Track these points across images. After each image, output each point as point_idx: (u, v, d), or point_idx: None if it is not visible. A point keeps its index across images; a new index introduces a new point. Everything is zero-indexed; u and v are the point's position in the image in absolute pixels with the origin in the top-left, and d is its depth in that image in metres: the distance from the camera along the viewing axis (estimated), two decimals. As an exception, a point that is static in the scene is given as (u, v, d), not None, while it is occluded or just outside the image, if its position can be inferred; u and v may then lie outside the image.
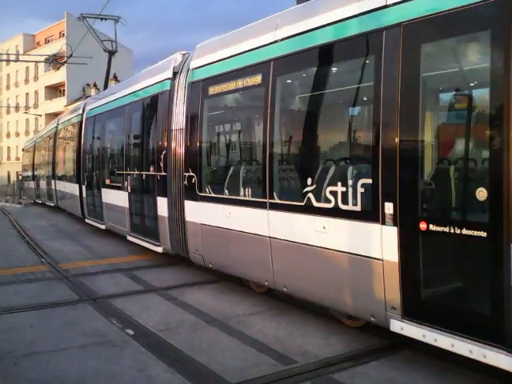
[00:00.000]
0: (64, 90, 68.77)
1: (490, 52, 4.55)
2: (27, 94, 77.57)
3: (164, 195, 9.97)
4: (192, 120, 9.09)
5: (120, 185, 12.58)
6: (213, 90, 8.56)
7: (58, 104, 67.22)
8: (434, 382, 4.97)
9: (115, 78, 45.58)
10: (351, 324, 6.51)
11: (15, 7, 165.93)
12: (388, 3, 5.36)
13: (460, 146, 5.17)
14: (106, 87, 20.88)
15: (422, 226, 4.92)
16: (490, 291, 4.59)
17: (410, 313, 5.13)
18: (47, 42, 72.99)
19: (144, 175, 11.12)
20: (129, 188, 12.00)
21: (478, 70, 5.01)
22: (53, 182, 22.52)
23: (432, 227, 4.87)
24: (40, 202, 27.54)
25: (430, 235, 4.89)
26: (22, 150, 46.99)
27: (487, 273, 4.58)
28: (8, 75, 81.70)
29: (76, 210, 17.62)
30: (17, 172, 50.44)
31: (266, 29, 7.36)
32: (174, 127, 9.63)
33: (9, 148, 77.34)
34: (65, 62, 31.27)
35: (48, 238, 14.36)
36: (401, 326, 5.20)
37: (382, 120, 5.39)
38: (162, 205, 10.03)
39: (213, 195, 8.48)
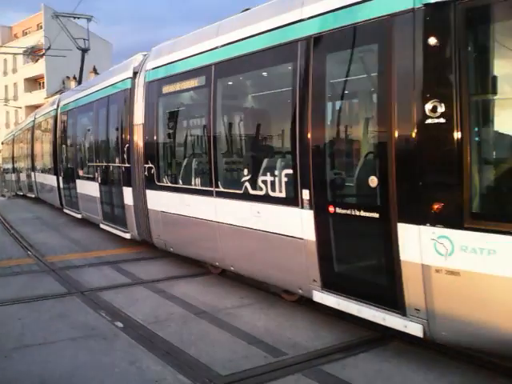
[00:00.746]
0: (43, 83, 68.17)
1: (378, 62, 5.43)
2: (6, 86, 76.60)
3: (129, 185, 10.82)
4: (150, 116, 10.00)
5: (92, 176, 13.48)
6: (166, 89, 9.45)
7: (38, 96, 66.51)
8: (423, 373, 5.03)
9: (94, 70, 45.28)
10: (288, 298, 7.33)
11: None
12: (303, 17, 6.24)
13: (357, 142, 6.37)
14: (80, 82, 21.62)
15: (331, 209, 5.81)
16: (385, 264, 5.41)
17: (327, 284, 6.01)
18: (25, 34, 72.06)
19: (111, 167, 12.01)
20: (99, 179, 12.87)
21: (370, 77, 5.82)
22: (32, 174, 23.23)
23: (338, 210, 5.76)
24: (21, 193, 27.79)
25: (337, 217, 5.77)
26: (2, 143, 47.54)
27: (381, 248, 5.44)
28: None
29: (55, 200, 18.45)
30: None
31: (210, 36, 8.25)
32: (135, 122, 10.49)
33: (-10, 141, 76.47)
34: (43, 54, 31.02)
35: (33, 231, 14.25)
36: (321, 297, 6.09)
37: (298, 120, 6.30)
38: (128, 194, 10.88)
39: (169, 185, 9.38)
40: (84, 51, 22.19)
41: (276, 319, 6.65)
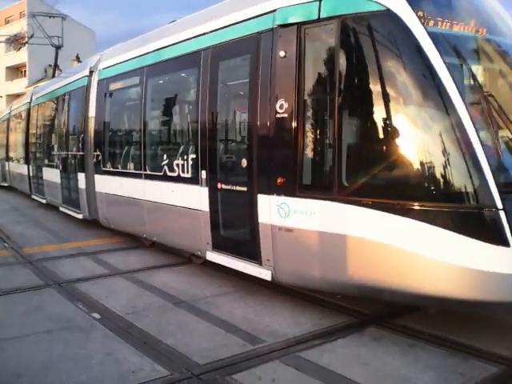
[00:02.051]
0: (25, 71, 67.18)
1: (249, 70, 6.94)
2: (-13, 74, 75.48)
3: (82, 171, 12.34)
4: (99, 110, 11.62)
5: (54, 164, 15.05)
6: (112, 86, 11.11)
7: (19, 85, 65.55)
8: (400, 357, 5.07)
9: (77, 58, 44.82)
10: (196, 261, 8.76)
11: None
12: (205, 31, 7.83)
13: (235, 132, 7.89)
14: (53, 77, 22.26)
15: (219, 185, 7.46)
16: (250, 226, 6.89)
17: (216, 246, 7.63)
18: (7, 22, 70.97)
19: (70, 155, 13.51)
20: (60, 166, 14.37)
21: (248, 80, 7.06)
22: (6, 163, 24.41)
23: (223, 186, 7.41)
24: None
25: (222, 192, 7.43)
26: None
27: (248, 214, 6.90)
28: (-33, 55, 79.35)
29: (25, 188, 19.89)
30: None
31: (142, 42, 9.98)
32: (89, 115, 12.04)
33: (-32, 129, 75.22)
34: (25, 42, 30.84)
35: (10, 222, 14.01)
36: (212, 256, 7.70)
37: (199, 116, 7.93)
38: (81, 179, 12.38)
39: (111, 169, 11.02)
40: (58, 48, 23.42)
41: (255, 307, 6.66)
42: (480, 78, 5.76)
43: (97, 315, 6.40)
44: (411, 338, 5.46)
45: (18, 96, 39.54)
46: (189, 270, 8.63)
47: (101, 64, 11.71)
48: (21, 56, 59.64)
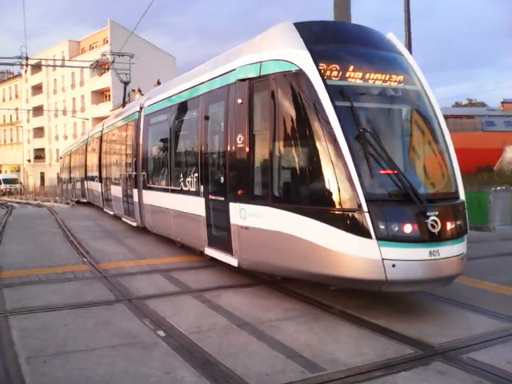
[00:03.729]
0: (109, 95, 70.26)
1: (224, 112, 9.27)
2: (74, 98, 79.66)
3: (135, 187, 15.31)
4: (144, 138, 14.74)
5: (118, 182, 18.38)
6: (151, 121, 14.25)
7: (104, 108, 68.94)
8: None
9: (158, 83, 46.56)
10: (206, 256, 10.38)
11: (64, 16, 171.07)
12: (201, 82, 10.56)
13: (218, 158, 9.86)
14: (123, 107, 26.00)
15: (210, 196, 9.85)
16: (226, 226, 9.00)
17: (210, 243, 9.94)
18: (92, 48, 74.67)
19: (128, 175, 16.61)
20: (121, 184, 17.58)
21: (224, 119, 9.30)
22: (85, 182, 28.39)
23: (212, 197, 9.78)
24: (84, 201, 30.25)
25: (211, 201, 9.79)
26: (60, 157, 55.60)
27: (225, 217, 8.98)
28: (55, 80, 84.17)
29: (99, 202, 23.32)
30: (57, 173, 53.21)
31: (171, 87, 12.94)
32: (139, 142, 15.02)
33: (57, 150, 78.98)
34: (107, 68, 33.06)
35: (91, 238, 14.62)
36: (208, 251, 9.95)
37: (198, 147, 10.59)
38: (135, 194, 15.36)
39: (152, 186, 13.91)
40: (126, 84, 28.76)
41: (319, 333, 6.51)
42: (360, 117, 7.41)
43: (162, 333, 6.48)
44: (478, 374, 5.16)
45: (102, 119, 41.56)
46: (256, 292, 8.61)
47: (145, 102, 14.93)
48: (104, 81, 62.68)
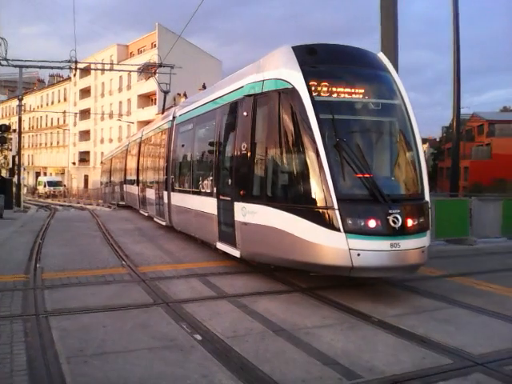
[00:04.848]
0: (155, 99, 71.00)
1: (234, 124, 10.63)
2: (120, 102, 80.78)
3: (165, 190, 16.78)
4: (174, 145, 16.29)
5: (152, 185, 20.10)
6: (180, 129, 15.81)
7: (150, 112, 69.58)
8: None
9: (204, 87, 46.98)
10: (220, 251, 11.43)
11: (114, 21, 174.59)
12: (218, 96, 12.28)
13: (229, 162, 10.88)
14: (162, 113, 26.87)
15: (220, 197, 11.12)
16: (231, 223, 10.23)
17: (221, 238, 11.13)
18: (140, 52, 75.72)
19: (159, 178, 18.22)
20: (155, 186, 19.25)
21: (235, 128, 10.63)
22: (124, 186, 29.83)
23: (222, 197, 11.01)
24: (114, 202, 32.33)
25: (222, 201, 11.00)
26: (101, 162, 58.18)
27: (230, 214, 10.21)
28: (103, 84, 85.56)
29: (136, 205, 24.82)
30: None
31: (196, 99, 14.74)
32: (170, 148, 16.61)
33: (102, 154, 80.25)
34: (154, 72, 33.21)
35: (131, 242, 14.78)
36: (219, 245, 11.13)
37: (214, 153, 12.00)
38: (165, 196, 16.81)
39: (178, 188, 15.48)
40: (166, 93, 30.19)
41: (356, 341, 6.45)
42: (340, 128, 8.52)
43: (198, 336, 6.51)
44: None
45: (147, 122, 42.16)
46: (292, 299, 8.58)
47: (177, 112, 16.61)
48: (150, 85, 63.47)
